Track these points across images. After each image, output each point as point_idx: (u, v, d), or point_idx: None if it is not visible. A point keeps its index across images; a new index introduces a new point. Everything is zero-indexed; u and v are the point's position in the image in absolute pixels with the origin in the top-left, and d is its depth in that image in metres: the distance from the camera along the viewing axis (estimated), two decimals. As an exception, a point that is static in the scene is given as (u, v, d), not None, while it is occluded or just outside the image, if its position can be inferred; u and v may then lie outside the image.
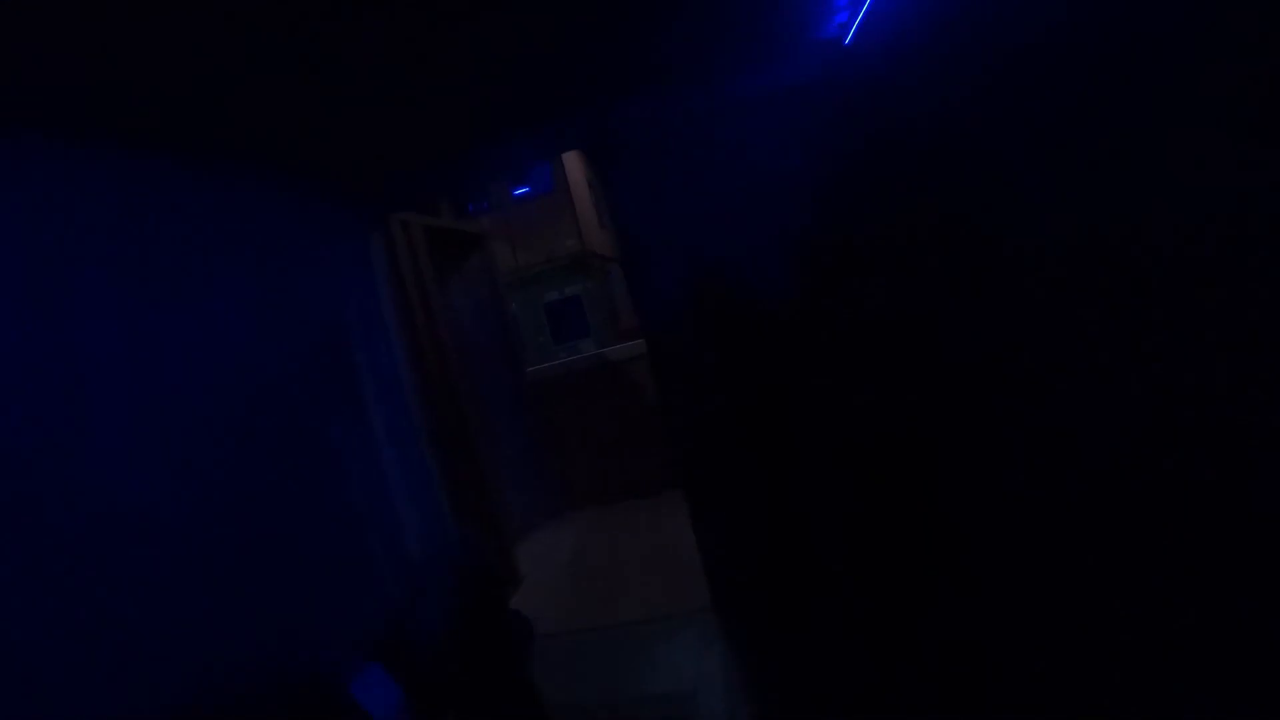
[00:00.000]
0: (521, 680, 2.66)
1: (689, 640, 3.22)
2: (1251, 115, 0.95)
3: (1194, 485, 1.26)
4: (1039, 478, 1.91)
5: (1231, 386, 1.12)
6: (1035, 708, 1.94)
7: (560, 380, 5.78)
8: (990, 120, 1.72)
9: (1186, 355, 1.20)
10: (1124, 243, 1.31)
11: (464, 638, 2.46)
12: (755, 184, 2.96)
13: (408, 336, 3.82)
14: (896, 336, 2.75)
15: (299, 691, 2.10)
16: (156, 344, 2.05)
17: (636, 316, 3.24)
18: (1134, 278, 1.31)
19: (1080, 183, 1.41)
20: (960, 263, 2.13)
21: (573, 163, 13.95)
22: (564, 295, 12.73)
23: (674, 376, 3.29)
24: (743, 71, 2.84)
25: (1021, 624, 2.16)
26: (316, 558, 2.47)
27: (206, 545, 2.01)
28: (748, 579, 3.28)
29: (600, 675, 3.11)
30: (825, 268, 2.93)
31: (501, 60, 2.27)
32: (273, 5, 1.62)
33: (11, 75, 1.55)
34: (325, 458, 2.71)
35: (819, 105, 2.83)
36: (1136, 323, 1.33)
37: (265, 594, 2.18)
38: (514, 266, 12.76)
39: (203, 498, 2.04)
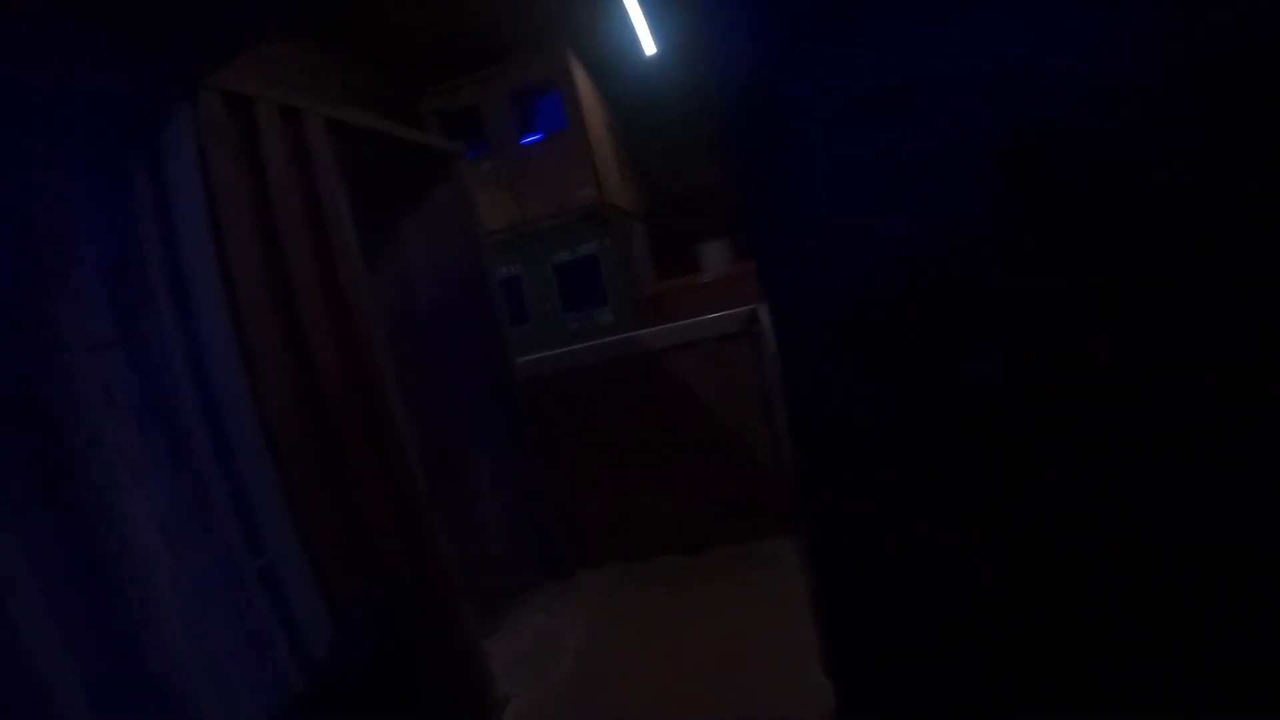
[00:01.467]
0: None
1: None
2: None
3: None
4: None
5: None
6: None
7: (570, 377, 3.89)
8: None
9: None
10: None
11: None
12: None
13: (252, 296, 1.94)
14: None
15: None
16: None
17: (765, 297, 1.37)
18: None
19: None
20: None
21: (590, 101, 11.90)
22: (576, 255, 10.78)
23: (827, 384, 1.40)
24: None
25: None
26: None
27: None
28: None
29: None
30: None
31: None
32: None
33: None
34: None
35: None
36: None
37: None
38: (518, 220, 10.80)
39: None
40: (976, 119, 1.20)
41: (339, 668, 1.99)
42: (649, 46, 11.32)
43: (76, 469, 1.36)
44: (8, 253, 1.37)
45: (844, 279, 1.30)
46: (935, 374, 1.29)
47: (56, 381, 1.39)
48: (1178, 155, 1.13)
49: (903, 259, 1.28)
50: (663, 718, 2.63)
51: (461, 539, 4.12)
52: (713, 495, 3.89)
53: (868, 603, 1.41)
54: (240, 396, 1.72)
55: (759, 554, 3.76)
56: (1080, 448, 1.23)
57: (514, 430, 3.83)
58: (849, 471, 1.34)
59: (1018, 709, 1.33)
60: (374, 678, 2.23)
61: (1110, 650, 1.25)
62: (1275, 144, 1.09)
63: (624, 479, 3.93)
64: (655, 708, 2.69)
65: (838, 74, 1.26)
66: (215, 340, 1.72)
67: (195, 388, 1.63)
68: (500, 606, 3.77)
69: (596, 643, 3.20)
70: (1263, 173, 1.10)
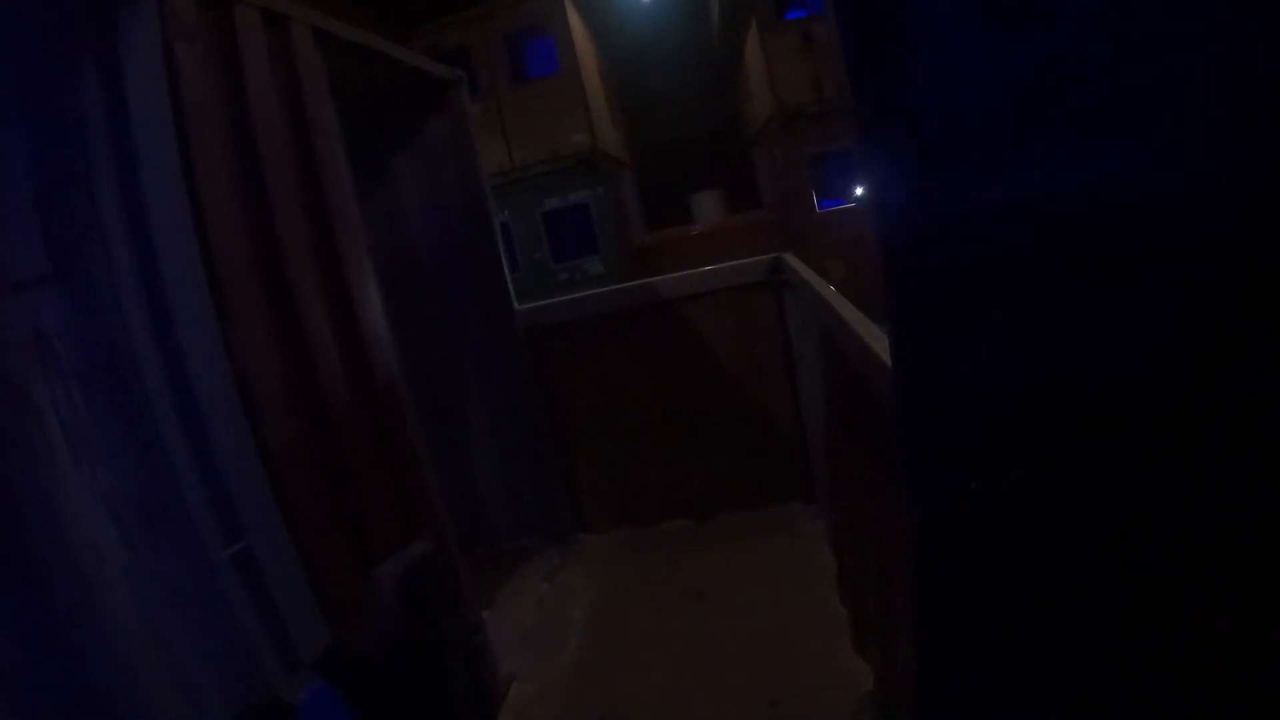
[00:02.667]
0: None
1: None
2: None
3: None
4: None
5: None
6: None
7: (575, 327, 3.59)
8: None
9: None
10: None
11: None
12: None
13: (226, 228, 1.62)
14: None
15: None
16: None
17: (881, 245, 1.08)
18: None
19: None
20: None
21: (584, 45, 11.35)
22: (567, 203, 10.38)
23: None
24: None
25: None
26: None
27: None
28: None
29: None
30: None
31: None
32: None
33: None
34: None
35: None
36: None
37: None
38: (507, 167, 10.36)
39: None
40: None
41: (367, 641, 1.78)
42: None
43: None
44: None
45: (986, 228, 1.02)
46: (1087, 342, 1.01)
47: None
48: None
49: (1054, 209, 0.99)
50: (685, 701, 2.42)
51: (450, 497, 3.87)
52: (725, 456, 3.65)
53: (982, 609, 1.15)
54: (210, 349, 1.42)
55: (774, 520, 3.54)
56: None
57: (512, 382, 3.55)
58: (977, 453, 1.07)
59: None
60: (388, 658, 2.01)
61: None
62: None
63: (630, 437, 3.67)
64: (675, 690, 2.47)
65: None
66: (179, 280, 1.41)
67: (154, 339, 1.33)
68: (496, 573, 3.54)
69: (604, 617, 2.97)
70: None
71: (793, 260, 3.18)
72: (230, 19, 1.86)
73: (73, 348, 1.21)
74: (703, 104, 15.93)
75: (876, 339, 1.62)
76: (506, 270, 3.47)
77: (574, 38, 10.27)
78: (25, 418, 1.08)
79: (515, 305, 3.47)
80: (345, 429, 1.96)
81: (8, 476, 1.03)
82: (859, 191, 11.01)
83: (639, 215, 13.97)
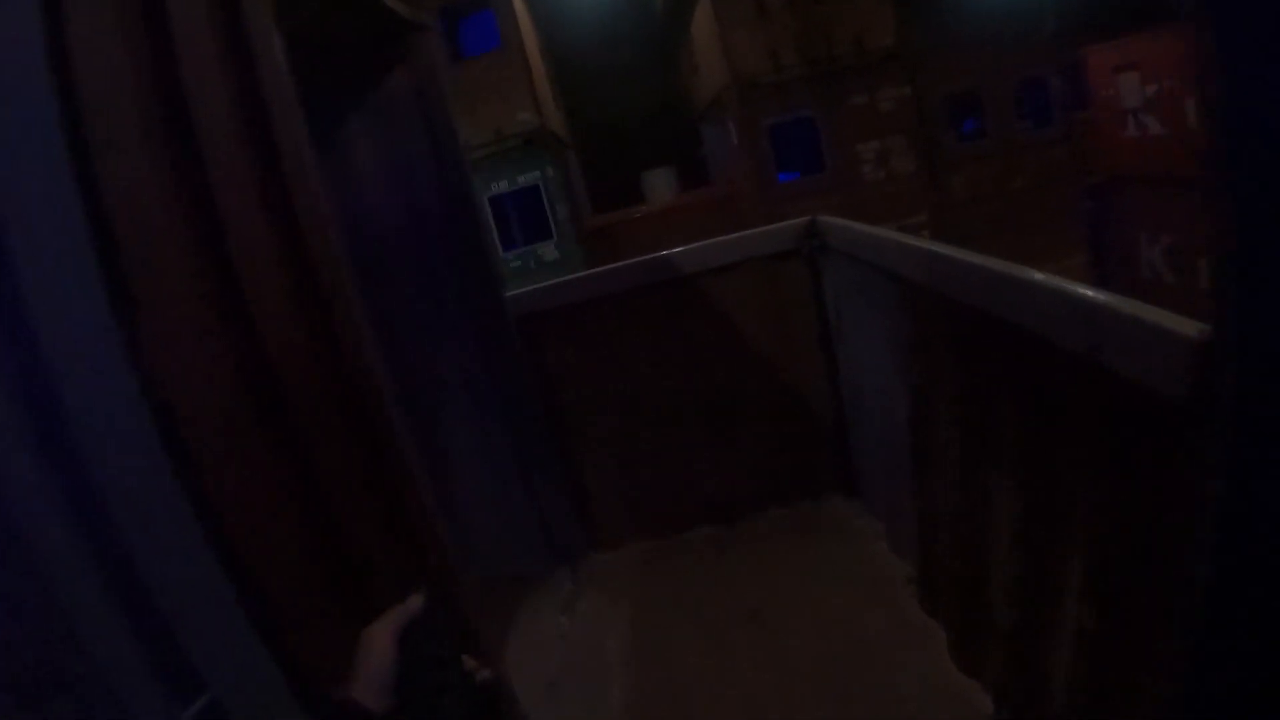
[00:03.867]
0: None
1: None
2: None
3: None
4: None
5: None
6: None
7: (578, 311, 3.07)
8: None
9: None
10: None
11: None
12: None
13: (130, 170, 1.06)
14: None
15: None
16: None
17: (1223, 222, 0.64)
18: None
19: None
20: None
21: (525, 20, 10.70)
22: (516, 185, 9.78)
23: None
24: None
25: None
26: None
27: None
28: None
29: None
30: None
31: None
32: None
33: None
34: None
35: None
36: None
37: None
38: (451, 149, 9.70)
39: None
40: None
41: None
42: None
43: None
44: None
45: None
46: None
47: None
48: None
49: None
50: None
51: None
52: (750, 449, 3.19)
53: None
54: (109, 343, 0.88)
55: (813, 519, 3.10)
56: None
57: (504, 378, 3.02)
58: None
59: None
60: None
61: None
62: None
63: (644, 435, 3.18)
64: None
65: None
66: (55, 243, 0.87)
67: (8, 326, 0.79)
68: (498, 606, 3.02)
69: (645, 652, 2.49)
70: None
71: (835, 222, 2.74)
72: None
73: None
74: (645, 81, 15.42)
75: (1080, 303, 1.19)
76: (493, 246, 2.93)
77: (515, 10, 9.65)
78: None
79: (504, 289, 2.94)
80: (321, 454, 1.43)
81: None
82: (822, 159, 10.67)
83: (585, 197, 13.42)
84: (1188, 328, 0.95)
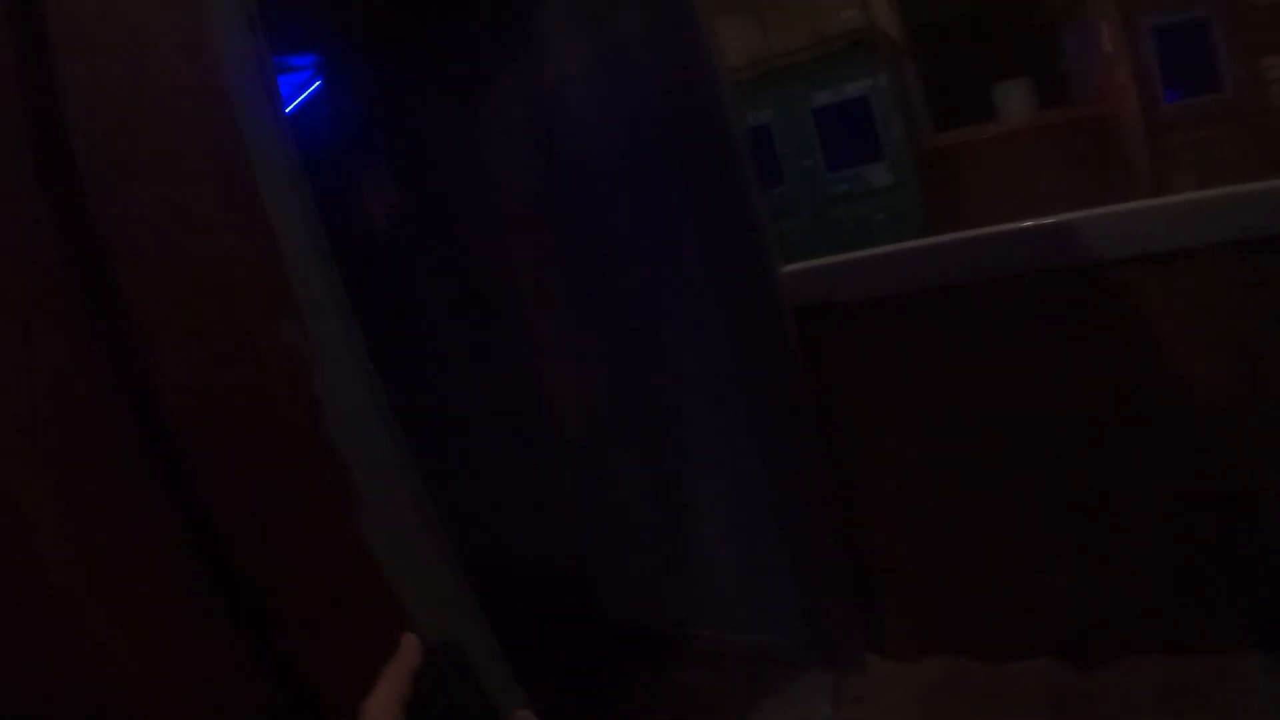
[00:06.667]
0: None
1: None
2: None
3: None
4: None
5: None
6: None
7: (890, 307, 1.94)
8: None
9: None
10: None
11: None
12: None
13: None
14: None
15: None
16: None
17: None
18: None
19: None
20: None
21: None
22: (841, 97, 8.42)
23: None
24: None
25: None
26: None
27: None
28: None
29: None
30: None
31: None
32: None
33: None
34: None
35: None
36: None
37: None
38: (763, 53, 8.51)
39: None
40: None
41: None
42: None
43: None
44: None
45: None
46: None
47: None
48: None
49: None
50: None
51: (654, 562, 2.52)
52: (1141, 551, 1.90)
53: None
54: None
55: (1217, 682, 1.78)
56: None
57: (768, 389, 2.03)
58: None
59: None
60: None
61: None
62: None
63: (967, 504, 2.03)
64: None
65: None
66: None
67: None
68: (718, 681, 2.18)
69: None
70: None
71: None
72: None
73: None
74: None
75: None
76: (760, 197, 1.89)
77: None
78: None
79: (778, 264, 1.90)
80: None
81: None
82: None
83: (923, 113, 11.49)
84: None
